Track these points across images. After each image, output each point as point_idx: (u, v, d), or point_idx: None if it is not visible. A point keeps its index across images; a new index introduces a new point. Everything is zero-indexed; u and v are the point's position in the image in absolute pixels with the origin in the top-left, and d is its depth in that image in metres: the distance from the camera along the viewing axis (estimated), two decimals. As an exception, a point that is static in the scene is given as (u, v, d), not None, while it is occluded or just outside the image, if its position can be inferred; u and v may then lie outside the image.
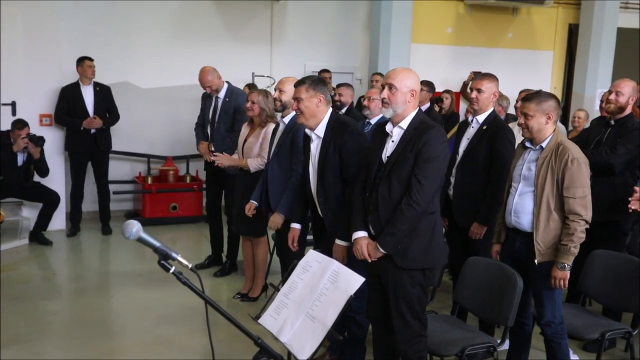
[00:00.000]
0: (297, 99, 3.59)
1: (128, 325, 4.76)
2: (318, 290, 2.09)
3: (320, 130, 3.62)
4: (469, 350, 3.30)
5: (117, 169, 7.87)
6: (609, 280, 3.81)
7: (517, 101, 5.02)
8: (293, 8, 8.64)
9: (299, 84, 3.63)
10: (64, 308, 5.11)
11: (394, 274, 3.18)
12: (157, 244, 1.84)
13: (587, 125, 6.98)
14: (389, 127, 3.23)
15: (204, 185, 7.24)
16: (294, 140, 4.32)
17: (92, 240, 7.05)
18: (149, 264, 6.29)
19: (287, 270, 4.58)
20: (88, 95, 6.99)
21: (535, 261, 3.40)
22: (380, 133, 3.31)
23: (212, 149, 5.73)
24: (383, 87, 3.18)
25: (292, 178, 4.26)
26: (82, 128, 6.87)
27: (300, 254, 4.52)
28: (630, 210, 3.77)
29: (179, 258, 1.89)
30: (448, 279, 5.19)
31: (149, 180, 7.83)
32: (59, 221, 7.14)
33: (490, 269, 3.61)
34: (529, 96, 3.53)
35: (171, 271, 1.84)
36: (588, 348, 4.36)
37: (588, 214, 3.32)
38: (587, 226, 3.36)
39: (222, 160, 5.05)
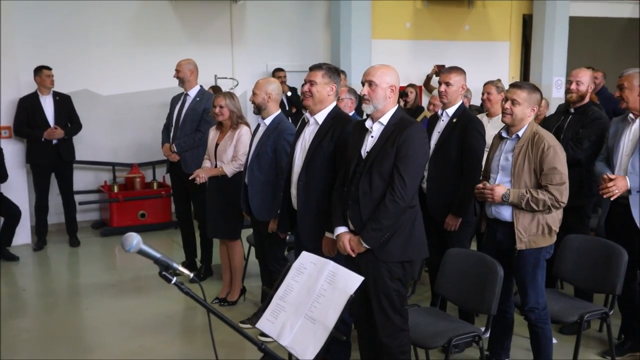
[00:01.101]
0: (311, 82, 3.60)
1: (106, 338, 4.67)
2: (315, 291, 2.09)
3: (321, 117, 3.65)
4: (455, 340, 3.35)
5: (82, 179, 7.72)
6: (582, 264, 3.91)
7: (483, 93, 5.10)
8: (252, 8, 8.60)
9: (315, 68, 3.65)
10: (37, 325, 4.97)
11: (374, 267, 3.21)
12: (157, 255, 1.82)
13: (550, 112, 7.13)
14: (368, 122, 3.27)
15: (172, 191, 7.17)
16: (277, 144, 4.31)
17: (60, 253, 6.90)
18: (121, 274, 6.22)
19: (267, 272, 4.65)
20: (48, 105, 6.83)
21: (516, 248, 3.47)
22: (359, 129, 3.35)
23: (175, 149, 5.67)
24: (363, 84, 3.22)
25: (280, 182, 4.22)
26: (43, 139, 6.71)
27: (278, 257, 4.58)
28: (607, 196, 3.85)
29: (181, 268, 1.87)
30: (424, 271, 5.25)
31: (115, 189, 7.69)
32: (24, 235, 6.97)
33: (471, 260, 3.67)
34: (519, 84, 3.57)
35: (173, 282, 1.82)
36: (564, 331, 4.47)
37: (563, 199, 3.39)
38: (558, 211, 3.44)
39: (201, 174, 4.96)
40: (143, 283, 5.94)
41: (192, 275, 1.89)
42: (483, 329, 3.53)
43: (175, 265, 1.85)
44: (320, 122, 3.64)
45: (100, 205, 7.91)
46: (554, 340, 4.27)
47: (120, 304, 5.33)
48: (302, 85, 3.56)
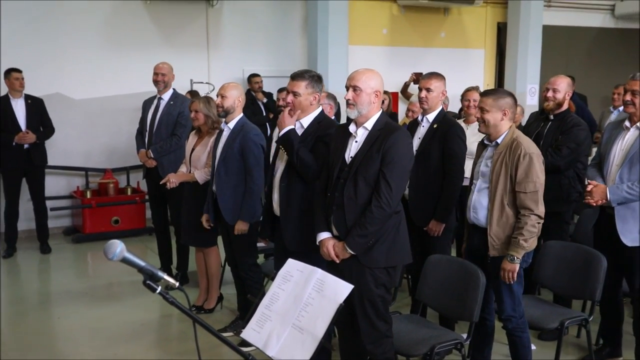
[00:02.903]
0: (294, 92, 3.51)
1: (79, 348, 4.54)
2: (303, 300, 2.03)
3: (306, 121, 3.60)
4: (438, 348, 3.33)
5: (54, 184, 7.54)
6: (562, 270, 3.92)
7: (466, 100, 5.11)
8: (228, 13, 8.52)
9: (298, 78, 3.53)
10: (8, 335, 4.80)
11: (358, 273, 3.17)
12: (142, 263, 1.75)
13: (525, 119, 7.18)
14: (352, 127, 3.23)
15: (146, 197, 7.05)
16: (244, 146, 4.27)
17: (31, 260, 6.73)
18: (93, 281, 6.09)
19: (239, 279, 4.58)
20: (19, 108, 6.66)
21: (489, 255, 3.45)
22: (342, 133, 3.31)
23: (151, 155, 5.57)
24: (347, 89, 3.18)
25: (249, 184, 4.20)
26: (14, 143, 6.54)
27: (249, 263, 4.50)
28: (594, 205, 3.84)
29: (166, 277, 1.80)
30: (403, 277, 5.22)
31: (88, 195, 7.53)
32: (-8, 242, 6.79)
33: (452, 266, 3.66)
34: (487, 91, 3.61)
35: (157, 291, 1.75)
36: (543, 337, 4.47)
37: (540, 209, 3.36)
38: (540, 221, 3.39)
39: (172, 179, 4.91)
40: (116, 290, 5.82)
41: (177, 284, 1.82)
42: (464, 335, 3.51)
43: (160, 273, 1.78)
44: (305, 126, 3.60)
45: (72, 211, 7.74)
46: (533, 347, 4.28)
47: (93, 312, 5.21)
48: (279, 91, 3.49)
